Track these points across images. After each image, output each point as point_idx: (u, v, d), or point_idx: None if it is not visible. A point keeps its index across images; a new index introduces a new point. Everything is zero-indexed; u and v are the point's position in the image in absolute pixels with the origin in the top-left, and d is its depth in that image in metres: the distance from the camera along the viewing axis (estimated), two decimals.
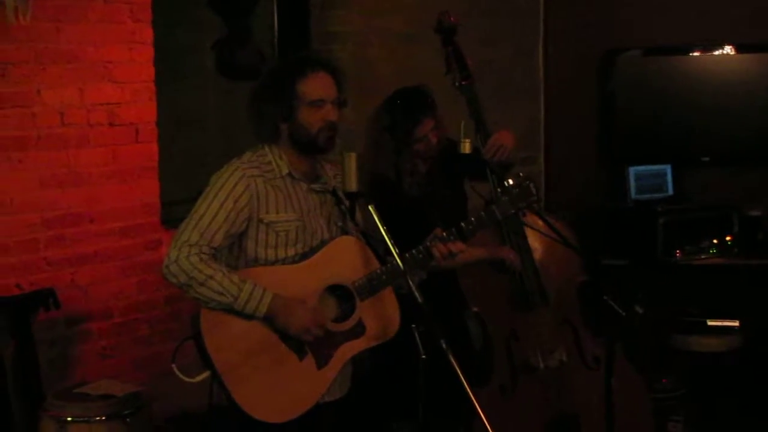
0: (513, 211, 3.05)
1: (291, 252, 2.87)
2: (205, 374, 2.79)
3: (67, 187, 4.19)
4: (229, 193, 2.81)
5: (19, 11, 3.79)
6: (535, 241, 3.71)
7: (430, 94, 3.75)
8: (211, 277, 2.73)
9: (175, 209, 4.54)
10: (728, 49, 5.47)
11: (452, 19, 3.73)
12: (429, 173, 3.74)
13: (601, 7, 5.61)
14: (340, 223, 2.98)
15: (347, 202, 2.93)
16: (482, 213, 3.01)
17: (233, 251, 2.88)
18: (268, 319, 2.78)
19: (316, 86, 2.88)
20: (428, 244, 2.94)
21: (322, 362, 2.84)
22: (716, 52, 5.49)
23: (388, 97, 3.76)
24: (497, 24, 5.49)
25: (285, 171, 2.90)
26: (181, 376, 2.81)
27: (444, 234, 2.94)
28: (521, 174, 3.07)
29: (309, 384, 2.83)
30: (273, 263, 2.86)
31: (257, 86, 2.96)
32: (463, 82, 3.70)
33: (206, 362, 2.76)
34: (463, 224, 2.98)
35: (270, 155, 2.91)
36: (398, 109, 3.69)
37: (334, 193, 2.96)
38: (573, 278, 3.77)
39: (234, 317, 2.76)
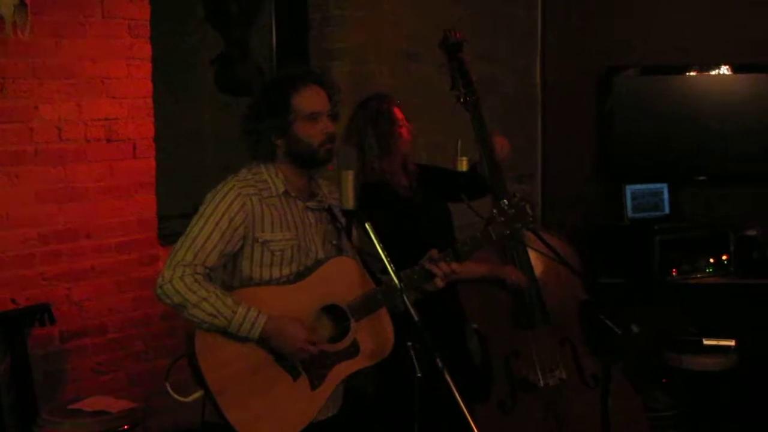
0: (508, 233, 3.03)
1: (286, 271, 2.86)
2: (198, 394, 2.78)
3: (64, 203, 4.18)
4: (224, 212, 2.80)
5: (17, 26, 3.80)
6: (537, 260, 3.71)
7: None
8: (204, 299, 2.71)
9: (172, 225, 4.54)
10: (725, 69, 5.50)
11: (457, 35, 3.74)
12: (410, 188, 3.74)
13: (600, 27, 5.65)
14: (335, 242, 2.98)
15: (343, 220, 2.93)
16: (478, 234, 3.02)
17: (227, 269, 2.87)
18: (262, 341, 2.77)
19: (310, 100, 2.88)
20: (424, 264, 2.94)
21: (315, 382, 2.83)
22: (713, 72, 5.52)
23: (358, 104, 3.77)
24: (495, 42, 5.51)
25: (281, 189, 2.89)
26: (174, 395, 2.80)
27: (439, 255, 2.94)
28: (516, 195, 3.07)
29: (303, 404, 2.81)
30: (267, 282, 2.85)
31: (250, 105, 2.95)
32: (468, 99, 3.71)
33: (200, 382, 2.75)
34: (458, 245, 2.99)
35: (266, 173, 2.90)
36: (371, 102, 3.72)
37: (329, 210, 2.96)
38: (574, 297, 3.78)
39: (228, 338, 2.75)
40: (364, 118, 3.69)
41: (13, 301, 4.00)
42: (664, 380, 4.70)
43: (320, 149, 2.88)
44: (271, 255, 2.84)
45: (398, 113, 3.71)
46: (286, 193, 2.89)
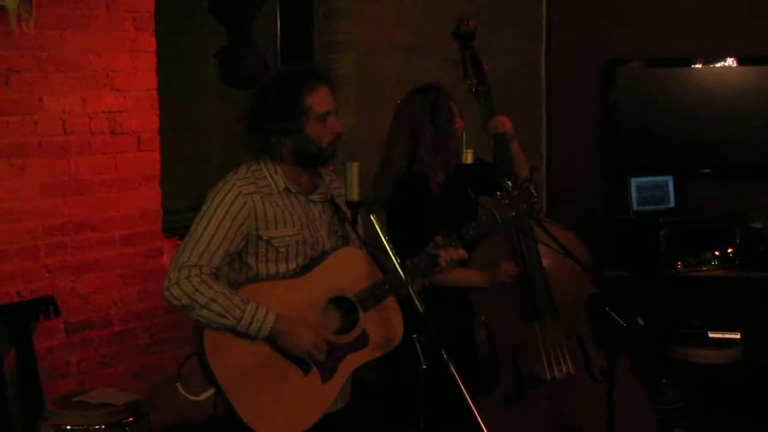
0: (513, 214, 3.05)
1: (292, 265, 2.86)
2: (210, 392, 2.77)
3: (69, 195, 4.18)
4: (226, 211, 2.78)
5: (22, 19, 3.80)
6: (545, 253, 3.70)
7: None
8: (213, 300, 2.70)
9: (176, 218, 4.54)
10: (730, 62, 5.48)
11: (470, 24, 3.74)
12: (445, 183, 3.72)
13: (604, 19, 5.62)
14: (340, 232, 2.98)
15: (347, 211, 2.93)
16: (483, 217, 3.04)
17: (234, 266, 2.86)
18: (271, 339, 2.76)
19: (322, 100, 2.85)
20: (430, 251, 2.94)
21: (327, 375, 2.83)
22: (718, 64, 5.49)
23: (413, 90, 3.68)
24: (500, 35, 5.49)
25: (282, 186, 2.86)
26: (186, 395, 2.78)
27: (445, 240, 2.95)
28: (520, 178, 3.08)
29: (315, 398, 2.82)
30: (274, 277, 2.84)
31: (256, 102, 2.87)
32: (480, 88, 3.71)
33: (211, 380, 2.74)
34: (464, 229, 2.99)
35: (265, 171, 2.87)
36: (431, 91, 3.63)
37: (332, 200, 2.95)
38: (582, 291, 3.76)
39: (237, 336, 2.74)
40: (421, 107, 3.61)
41: (18, 293, 4.00)
42: (663, 380, 4.68)
43: (328, 149, 2.87)
44: (276, 251, 2.83)
45: (454, 108, 3.64)
46: (287, 189, 2.87)
